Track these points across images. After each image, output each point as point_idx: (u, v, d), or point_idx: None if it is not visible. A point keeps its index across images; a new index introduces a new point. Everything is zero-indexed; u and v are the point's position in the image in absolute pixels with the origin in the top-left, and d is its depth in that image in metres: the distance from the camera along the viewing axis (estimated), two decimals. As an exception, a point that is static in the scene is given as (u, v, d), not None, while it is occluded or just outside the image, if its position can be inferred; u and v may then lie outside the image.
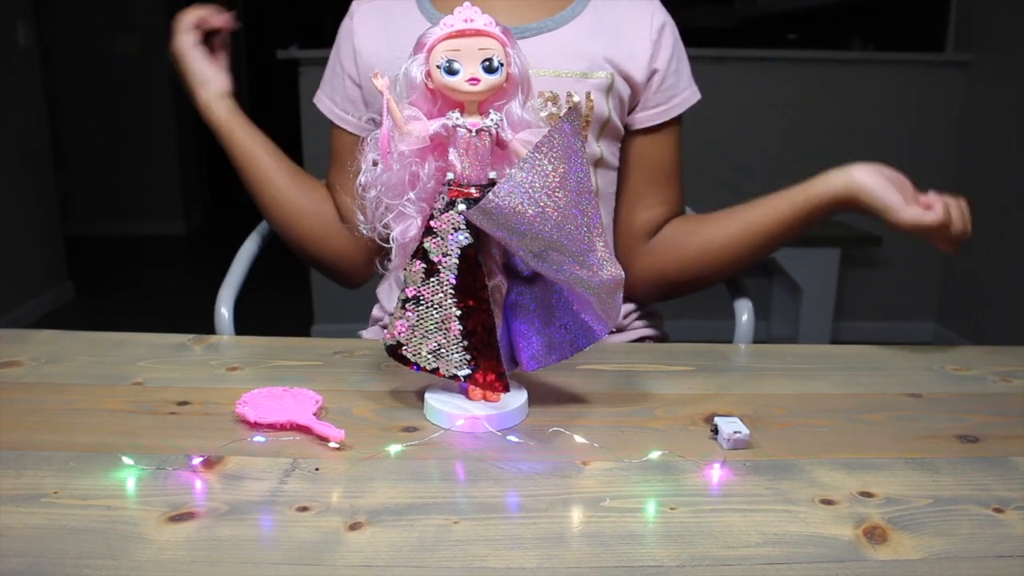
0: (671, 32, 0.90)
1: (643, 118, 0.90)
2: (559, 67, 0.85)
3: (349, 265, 0.95)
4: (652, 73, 0.89)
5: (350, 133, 0.93)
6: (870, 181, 0.78)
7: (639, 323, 0.98)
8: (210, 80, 0.90)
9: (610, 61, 0.86)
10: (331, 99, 0.94)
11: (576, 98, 0.85)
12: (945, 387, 0.69)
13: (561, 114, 0.84)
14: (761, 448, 0.57)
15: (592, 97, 0.86)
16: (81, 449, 0.54)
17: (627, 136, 0.92)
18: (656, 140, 0.92)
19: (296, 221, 0.93)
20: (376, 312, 1.00)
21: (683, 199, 0.96)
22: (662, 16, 0.90)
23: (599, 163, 0.90)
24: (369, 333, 1.00)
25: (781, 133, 2.89)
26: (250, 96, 6.05)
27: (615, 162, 0.92)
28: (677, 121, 0.92)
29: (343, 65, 0.92)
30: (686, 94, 0.92)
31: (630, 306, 0.97)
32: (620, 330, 0.96)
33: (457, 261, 0.56)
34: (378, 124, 0.55)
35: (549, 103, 0.85)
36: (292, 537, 0.45)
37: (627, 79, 0.87)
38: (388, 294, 0.98)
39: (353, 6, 0.93)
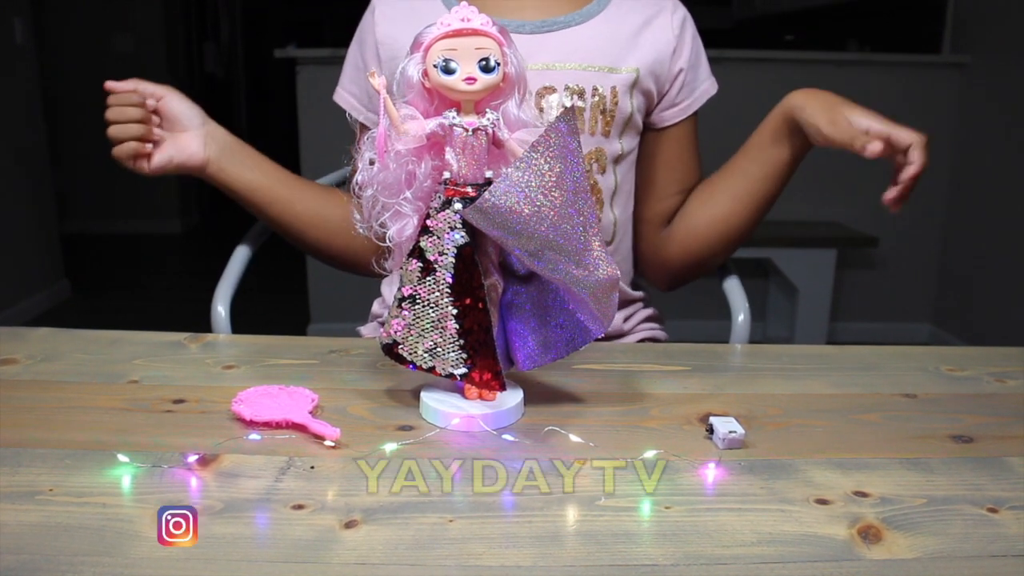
0: (691, 26, 0.91)
1: (669, 116, 0.91)
2: (586, 61, 0.85)
3: None
4: (678, 72, 0.90)
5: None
6: (802, 102, 0.81)
7: (641, 326, 0.98)
8: (190, 157, 0.84)
9: (635, 56, 0.87)
10: (352, 95, 0.92)
11: (599, 92, 0.85)
12: (940, 388, 0.70)
13: (586, 107, 0.85)
14: (756, 448, 0.57)
15: (617, 92, 0.86)
16: (77, 447, 0.54)
17: (649, 132, 0.92)
18: (676, 134, 0.93)
19: (339, 236, 0.90)
20: (376, 308, 0.99)
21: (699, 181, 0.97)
22: (682, 11, 0.91)
23: (619, 160, 0.90)
24: (367, 329, 0.99)
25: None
26: (248, 95, 6.05)
27: (634, 157, 0.93)
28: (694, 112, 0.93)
29: (366, 62, 0.90)
30: (705, 86, 0.93)
31: (633, 308, 0.97)
32: (622, 335, 0.96)
33: (453, 260, 0.56)
34: None
35: (575, 96, 0.85)
36: (287, 535, 0.45)
37: (652, 74, 0.88)
38: (391, 290, 0.97)
39: (374, 0, 0.91)
